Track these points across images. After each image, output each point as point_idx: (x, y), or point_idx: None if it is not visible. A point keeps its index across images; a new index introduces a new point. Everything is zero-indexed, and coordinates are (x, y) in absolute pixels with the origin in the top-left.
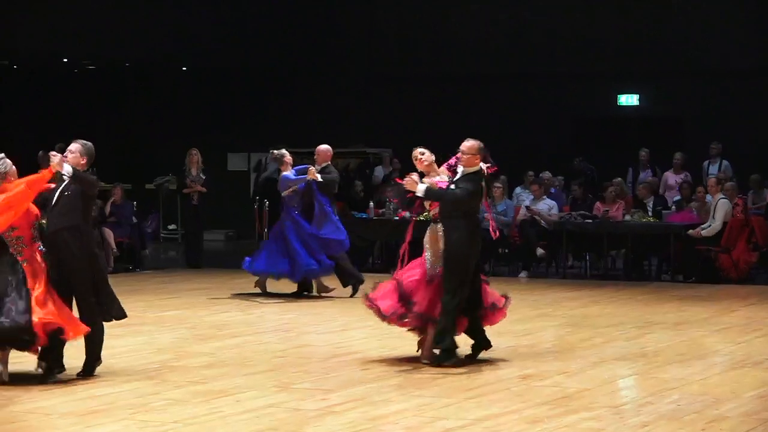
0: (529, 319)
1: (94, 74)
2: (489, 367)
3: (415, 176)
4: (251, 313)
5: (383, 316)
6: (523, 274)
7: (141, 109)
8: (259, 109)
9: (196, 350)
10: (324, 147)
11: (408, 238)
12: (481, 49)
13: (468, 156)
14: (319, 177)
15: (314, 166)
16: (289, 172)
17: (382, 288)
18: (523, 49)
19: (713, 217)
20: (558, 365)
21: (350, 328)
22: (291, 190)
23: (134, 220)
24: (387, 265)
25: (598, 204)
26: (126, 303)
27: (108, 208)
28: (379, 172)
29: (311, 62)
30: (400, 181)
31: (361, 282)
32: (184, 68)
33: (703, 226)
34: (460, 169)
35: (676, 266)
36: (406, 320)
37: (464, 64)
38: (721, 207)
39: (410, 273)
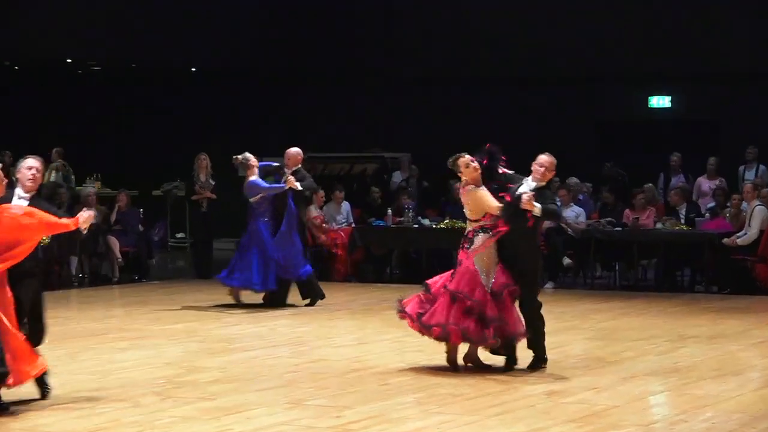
0: (555, 332)
1: (99, 75)
2: (513, 382)
3: (530, 193)
4: (263, 325)
5: (475, 340)
6: (549, 285)
7: (148, 112)
8: (272, 113)
9: (205, 365)
10: (294, 150)
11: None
12: (504, 50)
13: (550, 172)
14: (298, 185)
15: (286, 171)
16: (256, 177)
17: (439, 310)
18: (550, 51)
19: (749, 225)
20: (586, 381)
21: (367, 342)
22: (260, 196)
23: (140, 228)
24: (405, 275)
25: (627, 211)
26: (131, 315)
27: (113, 216)
28: (397, 177)
29: (326, 64)
30: (510, 199)
31: (322, 297)
32: (194, 69)
33: (738, 234)
34: (530, 183)
35: (711, 277)
36: (494, 340)
37: (487, 65)
38: (757, 214)
39: (468, 289)
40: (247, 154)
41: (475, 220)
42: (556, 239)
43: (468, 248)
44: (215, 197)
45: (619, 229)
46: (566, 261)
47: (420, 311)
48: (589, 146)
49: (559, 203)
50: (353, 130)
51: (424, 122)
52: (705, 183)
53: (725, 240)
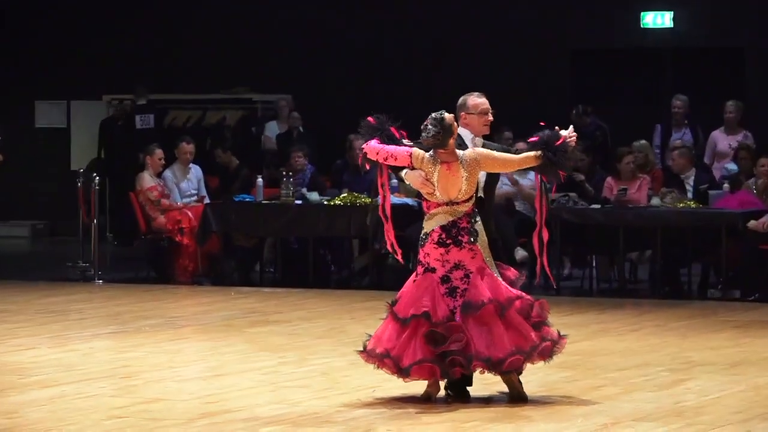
0: None
1: None
2: (447, 429)
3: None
4: (72, 349)
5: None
6: None
7: None
8: (91, 40)
9: None
10: None
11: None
12: None
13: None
14: None
15: None
16: None
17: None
18: None
19: None
20: (550, 429)
21: (226, 373)
22: None
23: None
24: (284, 275)
25: (609, 180)
26: None
27: None
28: (272, 129)
29: None
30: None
31: None
32: None
33: None
34: (477, 139)
35: (730, 277)
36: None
37: None
38: None
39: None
40: None
41: (469, 199)
42: (505, 222)
43: (474, 242)
44: (2, 159)
45: (598, 206)
46: (520, 254)
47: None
48: (556, 86)
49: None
50: (210, 64)
51: (313, 54)
52: (723, 139)
53: (751, 223)
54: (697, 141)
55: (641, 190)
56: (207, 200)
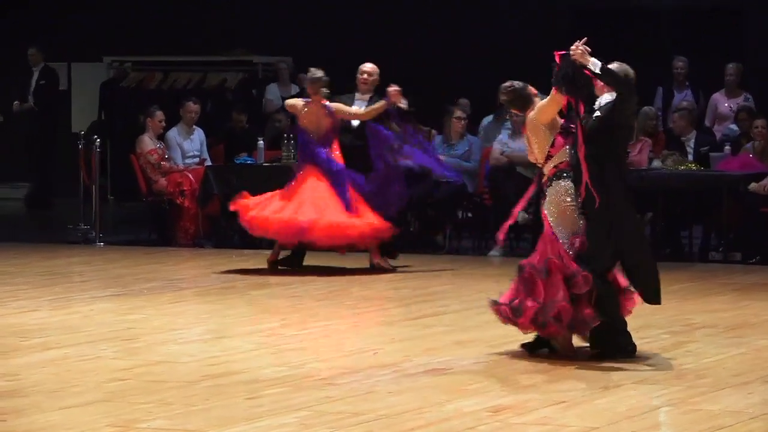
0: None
1: None
2: (446, 394)
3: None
4: (74, 311)
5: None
6: (495, 251)
7: None
8: (93, 2)
9: None
10: None
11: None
12: None
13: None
14: None
15: None
16: None
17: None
18: None
19: None
20: (549, 391)
21: (228, 335)
22: None
23: None
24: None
25: None
26: None
27: None
28: (274, 92)
29: None
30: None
31: None
32: None
33: None
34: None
35: (732, 239)
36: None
37: None
38: None
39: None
40: None
41: (551, 162)
42: (506, 184)
43: (542, 204)
44: (1, 119)
45: None
46: (520, 216)
47: (513, 297)
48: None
49: (508, 130)
50: (210, 25)
51: (314, 14)
52: (723, 102)
53: (752, 185)
54: (698, 103)
55: (642, 153)
56: (208, 162)
